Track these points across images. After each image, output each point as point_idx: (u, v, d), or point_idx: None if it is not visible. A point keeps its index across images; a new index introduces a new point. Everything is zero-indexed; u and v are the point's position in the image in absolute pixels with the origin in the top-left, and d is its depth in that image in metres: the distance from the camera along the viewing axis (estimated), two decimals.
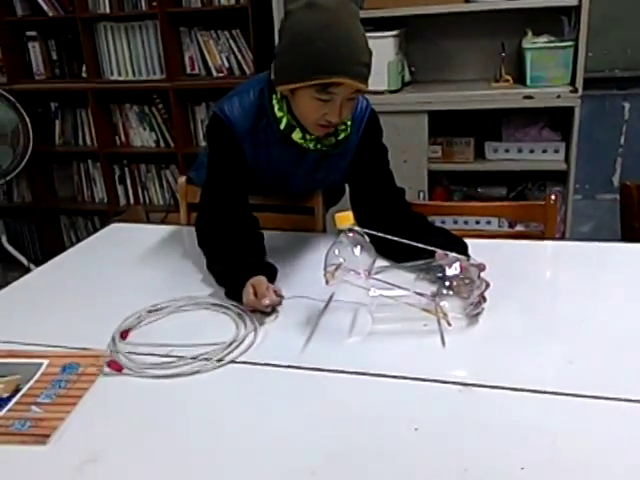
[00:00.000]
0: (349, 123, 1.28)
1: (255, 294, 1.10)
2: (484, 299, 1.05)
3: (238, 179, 1.30)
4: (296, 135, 1.25)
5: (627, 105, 2.60)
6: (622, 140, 2.65)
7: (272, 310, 1.12)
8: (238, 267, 1.17)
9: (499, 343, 1.01)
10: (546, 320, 1.07)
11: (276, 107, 1.24)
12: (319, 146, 1.27)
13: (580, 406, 0.85)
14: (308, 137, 1.26)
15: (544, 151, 2.46)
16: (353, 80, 1.12)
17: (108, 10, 2.79)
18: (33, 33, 2.97)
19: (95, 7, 2.81)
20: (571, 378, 0.91)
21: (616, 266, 1.28)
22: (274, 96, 1.24)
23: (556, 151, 2.45)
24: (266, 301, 1.08)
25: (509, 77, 2.43)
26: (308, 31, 1.11)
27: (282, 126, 1.25)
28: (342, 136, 1.28)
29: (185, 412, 0.89)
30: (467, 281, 1.06)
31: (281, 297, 1.12)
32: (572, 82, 2.31)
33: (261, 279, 1.13)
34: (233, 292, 1.16)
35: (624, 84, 2.56)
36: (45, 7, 2.84)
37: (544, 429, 0.80)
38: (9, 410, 0.89)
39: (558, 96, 2.29)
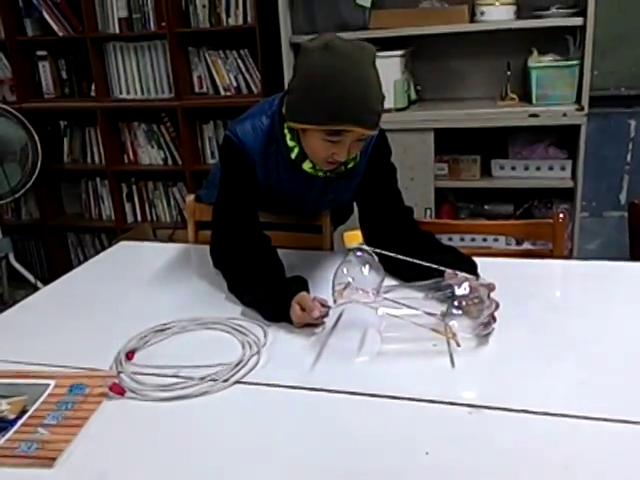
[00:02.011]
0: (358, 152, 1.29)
1: (302, 309, 1.10)
2: (494, 319, 1.05)
3: (250, 199, 1.31)
4: (306, 165, 1.27)
5: (633, 123, 2.60)
6: (628, 158, 2.65)
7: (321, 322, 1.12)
8: (277, 289, 1.17)
9: (509, 364, 1.00)
10: (557, 340, 1.06)
11: (288, 136, 1.26)
12: (329, 174, 1.29)
13: (594, 429, 0.83)
14: (318, 167, 1.27)
15: (550, 168, 2.46)
16: (363, 128, 1.14)
17: (117, 30, 2.83)
18: (43, 53, 3.01)
19: (105, 27, 2.85)
20: (585, 400, 0.90)
21: (627, 285, 1.27)
22: (286, 124, 1.25)
23: (562, 169, 2.45)
24: (316, 313, 1.08)
25: (515, 95, 2.44)
26: (323, 77, 1.11)
27: (293, 155, 1.26)
28: (352, 165, 1.30)
29: (192, 434, 0.88)
30: (477, 301, 1.05)
31: (328, 307, 1.11)
32: (578, 100, 2.31)
33: (304, 295, 1.13)
34: (278, 314, 1.15)
35: (630, 102, 2.56)
36: (55, 27, 2.89)
37: (558, 453, 0.79)
38: (16, 432, 0.89)
39: (564, 114, 2.30)
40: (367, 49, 1.16)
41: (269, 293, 1.17)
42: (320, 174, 1.29)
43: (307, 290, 1.17)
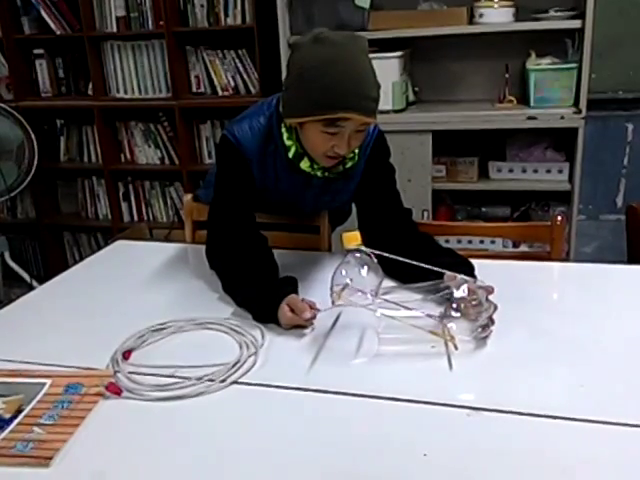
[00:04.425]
0: (357, 151, 1.28)
1: (291, 311, 1.10)
2: (492, 322, 1.04)
3: (246, 200, 1.31)
4: (304, 164, 1.26)
5: (630, 126, 2.61)
6: (625, 161, 2.66)
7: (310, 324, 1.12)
8: (267, 290, 1.17)
9: (508, 366, 0.99)
10: (556, 343, 1.06)
11: (285, 135, 1.25)
12: (327, 174, 1.28)
13: (592, 431, 0.83)
14: (316, 166, 1.26)
15: (548, 171, 2.47)
16: (360, 115, 1.12)
17: (115, 29, 2.82)
18: (40, 51, 3.00)
19: (102, 26, 2.84)
20: (583, 402, 0.90)
21: (625, 288, 1.27)
22: (283, 124, 1.25)
23: (560, 171, 2.45)
24: (307, 314, 1.09)
25: (513, 98, 2.44)
26: (314, 67, 1.11)
27: (291, 154, 1.26)
28: (350, 164, 1.29)
29: (189, 434, 0.87)
30: (475, 303, 1.05)
31: (317, 310, 1.11)
32: (576, 103, 2.32)
33: (294, 296, 1.13)
34: (266, 315, 1.15)
35: (627, 105, 2.57)
36: (53, 26, 2.87)
37: (556, 455, 0.79)
38: (11, 431, 0.88)
39: (562, 117, 2.30)
40: (358, 38, 1.16)
41: (258, 293, 1.17)
42: (318, 174, 1.28)
43: (296, 292, 1.17)
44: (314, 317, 1.10)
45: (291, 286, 1.18)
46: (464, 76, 2.63)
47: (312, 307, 1.11)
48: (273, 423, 0.89)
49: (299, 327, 1.12)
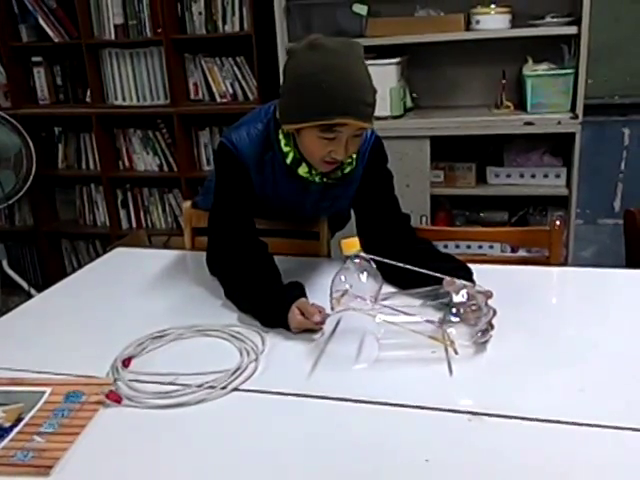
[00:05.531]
0: (354, 156, 1.29)
1: (301, 314, 1.10)
2: (492, 326, 1.05)
3: (245, 206, 1.31)
4: (302, 170, 1.27)
5: (627, 131, 2.63)
6: (622, 165, 2.67)
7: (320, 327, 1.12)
8: (276, 295, 1.17)
9: (508, 371, 0.99)
10: (556, 347, 1.06)
11: (282, 142, 1.25)
12: (325, 180, 1.29)
13: (593, 436, 0.83)
14: (314, 172, 1.27)
15: (545, 176, 2.48)
16: (357, 120, 1.13)
17: (113, 37, 2.82)
18: (38, 59, 3.00)
19: (100, 33, 2.85)
20: (583, 407, 0.90)
21: (623, 292, 1.27)
22: (280, 130, 1.25)
23: (557, 176, 2.46)
24: (317, 317, 1.09)
25: (510, 103, 2.46)
26: (310, 73, 1.12)
27: (288, 160, 1.26)
28: (348, 169, 1.29)
29: (190, 442, 0.87)
30: (474, 308, 1.05)
31: (326, 315, 1.11)
32: (572, 108, 2.33)
33: (304, 300, 1.14)
34: (276, 319, 1.15)
35: (624, 110, 2.58)
36: (51, 33, 2.88)
37: (556, 459, 0.79)
38: (11, 440, 0.88)
39: (559, 122, 2.31)
40: (353, 44, 1.17)
41: (268, 298, 1.17)
42: (316, 179, 1.28)
43: (305, 296, 1.17)
44: (324, 321, 1.10)
45: (299, 290, 1.18)
46: (461, 82, 2.64)
47: (321, 312, 1.11)
48: (274, 429, 0.89)
49: (308, 331, 1.12)
